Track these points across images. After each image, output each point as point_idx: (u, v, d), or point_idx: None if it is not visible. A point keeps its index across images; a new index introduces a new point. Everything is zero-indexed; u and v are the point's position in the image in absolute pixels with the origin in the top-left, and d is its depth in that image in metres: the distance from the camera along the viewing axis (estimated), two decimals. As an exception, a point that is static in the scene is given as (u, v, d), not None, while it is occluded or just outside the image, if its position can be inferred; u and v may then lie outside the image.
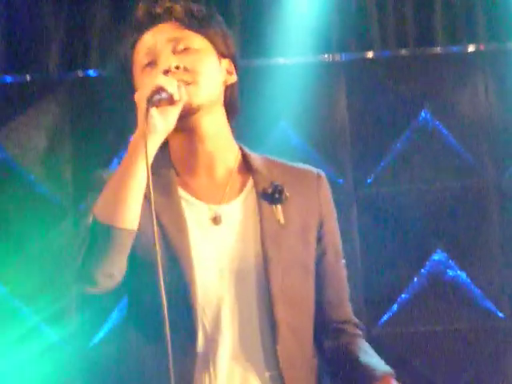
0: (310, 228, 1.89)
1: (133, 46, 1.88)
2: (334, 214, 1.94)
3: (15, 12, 3.58)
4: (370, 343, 2.08)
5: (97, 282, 1.73)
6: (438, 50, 3.75)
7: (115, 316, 3.48)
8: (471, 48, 3.76)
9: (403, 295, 3.51)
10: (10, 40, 3.64)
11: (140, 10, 1.92)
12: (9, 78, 3.73)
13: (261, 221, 1.83)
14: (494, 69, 3.70)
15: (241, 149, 1.92)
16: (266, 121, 3.54)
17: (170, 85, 1.72)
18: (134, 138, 1.74)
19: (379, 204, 3.62)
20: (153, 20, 1.89)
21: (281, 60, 3.70)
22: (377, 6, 3.77)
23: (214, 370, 1.77)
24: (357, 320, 1.92)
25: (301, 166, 1.97)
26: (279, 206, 1.86)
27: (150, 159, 1.69)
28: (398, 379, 1.84)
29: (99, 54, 3.71)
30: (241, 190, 1.88)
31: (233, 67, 1.91)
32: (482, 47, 3.74)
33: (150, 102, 1.67)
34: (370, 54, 3.76)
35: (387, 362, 1.98)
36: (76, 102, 3.64)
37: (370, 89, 3.63)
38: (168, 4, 1.91)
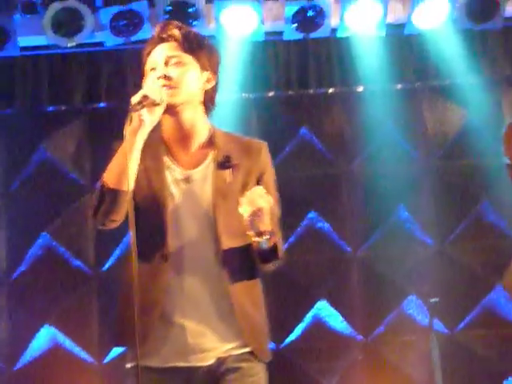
0: (250, 184, 2.18)
1: (149, 53, 2.24)
2: (271, 171, 2.26)
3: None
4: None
5: (105, 225, 2.13)
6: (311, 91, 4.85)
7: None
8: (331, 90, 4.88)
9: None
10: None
11: (156, 30, 2.24)
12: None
13: (213, 180, 2.16)
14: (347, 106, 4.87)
15: (212, 129, 2.24)
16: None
17: (153, 93, 2.04)
18: (127, 130, 2.03)
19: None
20: (163, 39, 2.22)
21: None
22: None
23: (179, 274, 2.13)
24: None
25: (249, 138, 2.30)
26: (227, 170, 2.17)
27: (141, 142, 2.03)
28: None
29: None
30: (205, 159, 2.21)
31: (211, 76, 2.23)
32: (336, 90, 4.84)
33: (133, 108, 2.00)
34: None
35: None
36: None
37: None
38: (173, 31, 2.21)
